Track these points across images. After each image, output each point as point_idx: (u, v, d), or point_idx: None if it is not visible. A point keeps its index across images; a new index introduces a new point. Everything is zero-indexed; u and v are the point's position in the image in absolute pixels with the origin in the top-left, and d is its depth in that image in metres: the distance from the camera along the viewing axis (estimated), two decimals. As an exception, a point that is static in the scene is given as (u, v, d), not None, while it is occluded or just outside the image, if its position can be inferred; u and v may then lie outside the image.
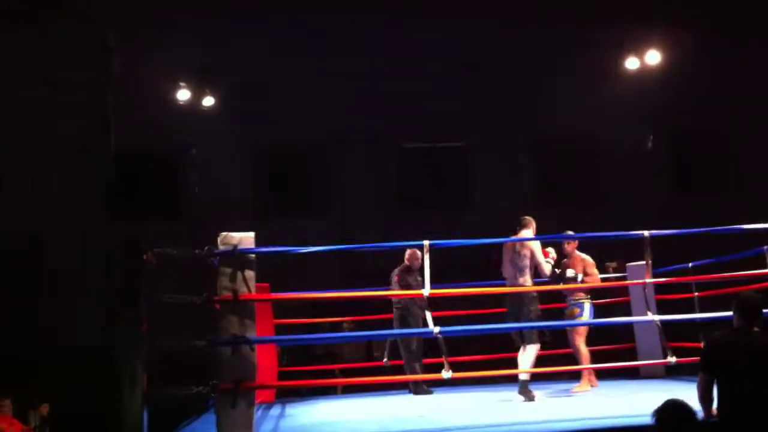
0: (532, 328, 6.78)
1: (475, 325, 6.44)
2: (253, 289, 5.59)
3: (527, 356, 6.87)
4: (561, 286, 7.60)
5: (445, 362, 5.75)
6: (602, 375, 8.28)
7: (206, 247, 5.63)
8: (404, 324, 7.82)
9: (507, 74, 12.05)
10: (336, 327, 10.43)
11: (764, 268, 7.06)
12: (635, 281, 7.37)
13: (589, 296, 7.78)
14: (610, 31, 11.41)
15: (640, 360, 8.42)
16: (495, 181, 12.43)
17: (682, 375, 8.06)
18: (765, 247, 7.09)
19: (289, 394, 8.94)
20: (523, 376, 6.86)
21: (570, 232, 7.49)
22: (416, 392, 7.99)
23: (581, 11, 11.20)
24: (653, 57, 11.64)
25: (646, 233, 6.10)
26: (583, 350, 7.58)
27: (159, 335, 5.49)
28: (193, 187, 12.51)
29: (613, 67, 12.06)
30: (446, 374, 5.71)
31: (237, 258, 5.57)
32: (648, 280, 6.30)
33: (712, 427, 4.73)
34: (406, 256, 8.01)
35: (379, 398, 8.11)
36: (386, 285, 8.07)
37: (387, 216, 11.92)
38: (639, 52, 11.73)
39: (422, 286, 6.97)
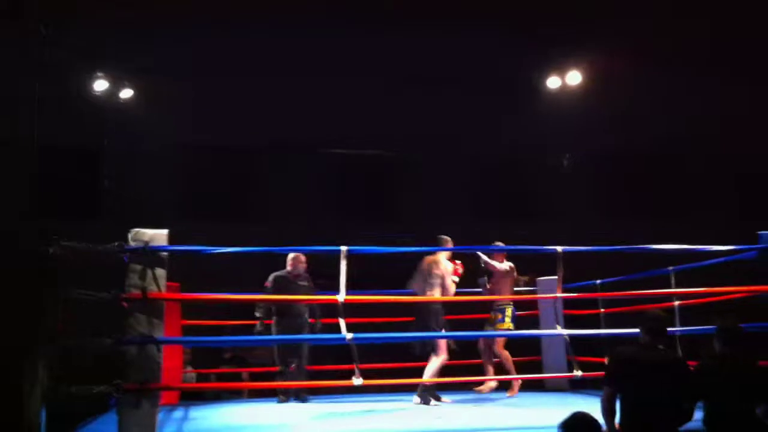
0: (449, 337, 6.94)
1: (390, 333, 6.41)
2: (163, 288, 5.46)
3: (432, 366, 7.11)
4: (475, 297, 7.85)
5: (356, 369, 5.74)
6: (507, 386, 8.42)
7: (116, 243, 5.47)
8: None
9: (436, 89, 12.13)
10: (246, 330, 10.26)
11: (669, 288, 7.31)
12: (546, 295, 7.52)
13: (511, 302, 8.02)
14: (534, 49, 11.61)
15: (546, 373, 8.59)
16: (422, 193, 12.46)
17: (586, 389, 8.24)
18: (670, 268, 7.33)
19: (194, 397, 8.78)
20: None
21: (499, 244, 7.75)
22: (302, 399, 7.88)
23: (509, 26, 11.33)
24: (574, 78, 11.92)
25: (559, 249, 6.23)
26: (505, 354, 7.97)
27: (65, 333, 5.30)
28: (109, 183, 12.09)
29: (536, 85, 12.28)
30: (357, 381, 5.70)
31: (148, 255, 5.43)
32: (559, 295, 6.42)
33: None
34: (289, 260, 7.85)
35: (285, 403, 8.01)
36: None
37: (312, 223, 11.83)
38: (561, 72, 11.98)
39: (299, 292, 7.43)
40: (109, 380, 5.27)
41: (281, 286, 7.72)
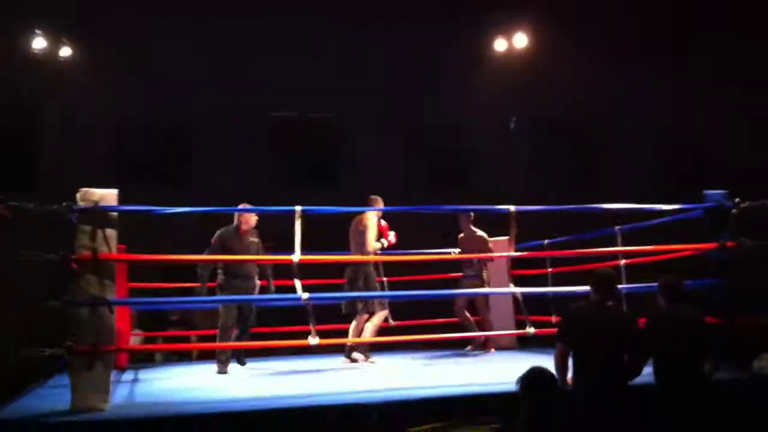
0: (384, 297, 7.22)
1: (339, 293, 6.40)
2: (114, 249, 5.34)
3: (370, 325, 7.35)
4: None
5: (312, 329, 5.74)
6: (456, 345, 8.54)
7: (64, 203, 5.32)
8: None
9: (380, 56, 12.05)
10: (189, 292, 10.14)
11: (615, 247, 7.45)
12: (498, 254, 7.60)
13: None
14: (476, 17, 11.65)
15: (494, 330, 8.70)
16: (366, 160, 12.38)
17: (532, 347, 8.40)
18: (617, 228, 7.47)
19: (142, 360, 8.70)
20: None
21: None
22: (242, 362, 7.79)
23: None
24: (521, 40, 11.95)
25: (511, 208, 6.26)
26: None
27: (11, 295, 5.17)
28: (46, 144, 11.74)
29: (479, 51, 12.28)
30: (313, 341, 5.70)
31: (97, 215, 5.30)
32: (511, 254, 6.46)
33: (569, 393, 4.94)
34: (237, 216, 7.44)
35: (233, 364, 7.99)
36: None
37: (255, 188, 11.69)
38: (507, 36, 12.01)
39: (249, 251, 7.31)
40: (58, 343, 5.16)
41: (228, 243, 7.26)
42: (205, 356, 9.33)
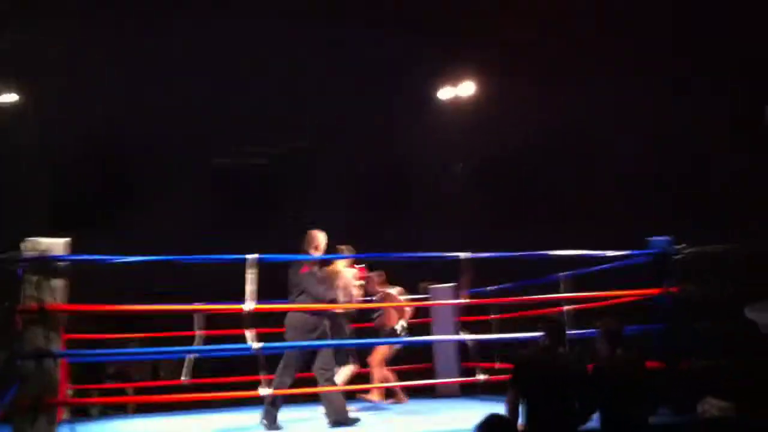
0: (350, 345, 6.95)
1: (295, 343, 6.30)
2: (61, 300, 5.21)
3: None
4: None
5: (262, 380, 5.68)
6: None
7: (9, 252, 5.19)
8: None
9: (323, 94, 12.11)
10: (124, 344, 9.92)
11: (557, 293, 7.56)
12: (446, 302, 7.61)
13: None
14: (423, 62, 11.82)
15: (438, 379, 8.71)
16: (306, 202, 12.36)
17: (476, 394, 8.42)
18: (560, 274, 7.59)
19: (77, 414, 8.42)
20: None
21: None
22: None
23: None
24: (467, 88, 12.19)
25: (462, 255, 6.31)
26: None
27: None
28: None
29: (426, 96, 12.47)
30: (264, 391, 5.63)
31: (44, 265, 5.18)
32: (462, 301, 6.50)
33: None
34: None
35: (172, 417, 7.82)
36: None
37: (195, 234, 11.54)
38: (454, 82, 12.22)
39: None
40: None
41: None
42: (142, 410, 9.12)
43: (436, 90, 12.42)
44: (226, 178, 12.82)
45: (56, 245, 5.27)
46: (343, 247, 7.31)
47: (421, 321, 8.98)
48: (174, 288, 8.59)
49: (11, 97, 11.12)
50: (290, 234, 7.68)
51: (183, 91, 11.46)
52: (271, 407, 6.18)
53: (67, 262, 5.28)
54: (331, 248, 7.14)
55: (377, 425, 6.66)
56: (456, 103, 12.29)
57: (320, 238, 6.67)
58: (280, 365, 6.29)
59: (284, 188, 12.86)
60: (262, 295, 6.14)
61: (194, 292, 7.39)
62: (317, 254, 6.61)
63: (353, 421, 6.38)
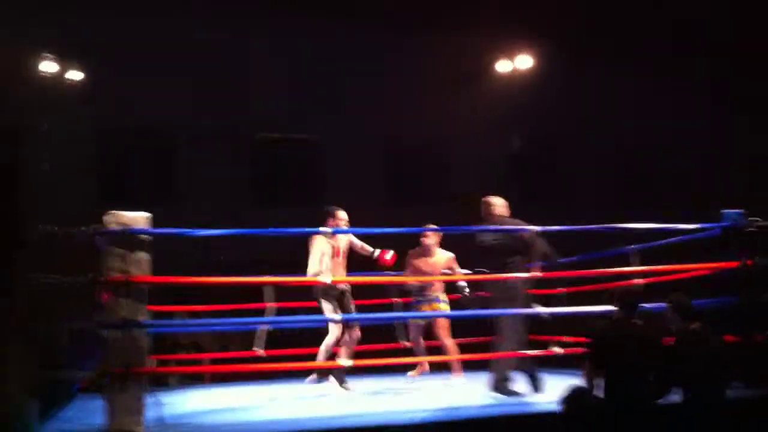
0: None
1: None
2: (146, 272, 5.37)
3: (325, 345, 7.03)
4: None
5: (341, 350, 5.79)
6: (469, 366, 8.53)
7: (92, 226, 5.35)
8: None
9: (363, 72, 12.18)
10: (198, 315, 10.13)
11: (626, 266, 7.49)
12: (517, 275, 7.51)
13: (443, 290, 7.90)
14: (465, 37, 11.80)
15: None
16: (347, 178, 12.45)
17: (550, 366, 8.41)
18: (632, 246, 7.52)
19: (157, 384, 8.66)
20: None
21: (432, 226, 7.55)
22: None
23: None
24: (505, 66, 12.07)
25: (536, 228, 6.31)
26: (449, 343, 7.81)
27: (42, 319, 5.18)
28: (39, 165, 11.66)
29: (468, 71, 12.43)
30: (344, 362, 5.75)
31: (129, 238, 5.34)
32: (536, 274, 6.47)
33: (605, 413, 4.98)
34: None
35: (248, 387, 8.00)
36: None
37: (236, 209, 11.74)
38: (509, 56, 12.11)
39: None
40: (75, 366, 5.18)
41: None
42: (217, 379, 9.35)
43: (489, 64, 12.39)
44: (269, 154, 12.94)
45: (139, 218, 5.41)
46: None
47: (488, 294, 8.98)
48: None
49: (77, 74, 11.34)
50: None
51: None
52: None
53: (150, 236, 5.41)
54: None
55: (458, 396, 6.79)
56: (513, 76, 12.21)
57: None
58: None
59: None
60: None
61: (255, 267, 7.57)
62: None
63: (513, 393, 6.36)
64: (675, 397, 5.19)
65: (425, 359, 7.87)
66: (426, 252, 7.84)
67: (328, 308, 6.95)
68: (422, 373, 8.11)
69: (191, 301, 8.72)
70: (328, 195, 12.20)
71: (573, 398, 4.23)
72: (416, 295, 7.88)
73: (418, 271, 7.79)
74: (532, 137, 13.82)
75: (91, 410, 5.69)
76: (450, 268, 7.86)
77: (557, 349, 6.41)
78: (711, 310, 6.21)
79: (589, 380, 5.16)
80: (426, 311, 7.84)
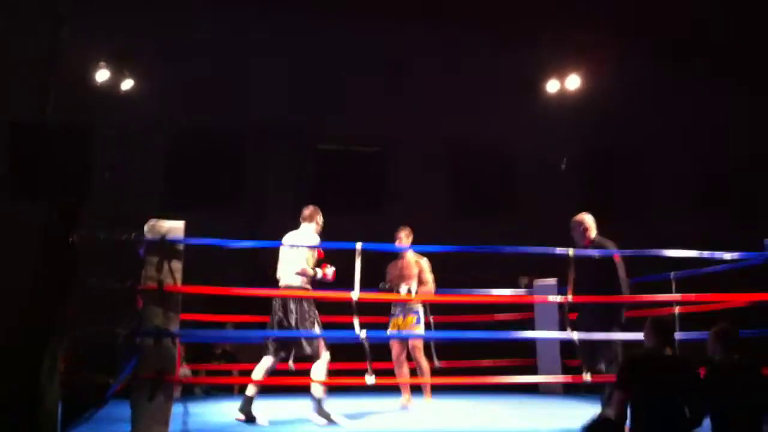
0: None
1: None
2: (179, 281, 5.42)
3: (319, 368, 6.32)
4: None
5: (369, 367, 5.75)
6: (502, 389, 8.45)
7: (133, 234, 5.43)
8: None
9: (430, 83, 12.16)
10: (233, 325, 10.17)
11: (667, 292, 7.37)
12: (551, 298, 7.44)
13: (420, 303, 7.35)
14: (533, 51, 11.72)
15: (540, 375, 8.63)
16: (411, 188, 12.40)
17: (578, 393, 8.32)
18: (671, 274, 7.42)
19: (184, 392, 8.72)
20: (319, 394, 6.30)
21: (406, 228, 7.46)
22: None
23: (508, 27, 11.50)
24: (573, 81, 11.93)
25: (570, 251, 6.23)
26: (424, 364, 7.30)
27: (79, 322, 5.24)
28: (105, 169, 11.78)
29: (533, 85, 12.32)
30: (370, 379, 5.70)
31: (165, 247, 5.39)
32: (568, 297, 6.36)
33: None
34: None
35: (278, 400, 8.00)
36: None
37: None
38: (560, 75, 12.00)
39: None
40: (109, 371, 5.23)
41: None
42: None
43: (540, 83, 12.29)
44: (334, 163, 12.96)
45: (177, 228, 5.46)
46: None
47: (524, 316, 8.93)
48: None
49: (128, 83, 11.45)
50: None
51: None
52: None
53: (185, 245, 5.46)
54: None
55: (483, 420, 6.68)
56: (562, 96, 12.08)
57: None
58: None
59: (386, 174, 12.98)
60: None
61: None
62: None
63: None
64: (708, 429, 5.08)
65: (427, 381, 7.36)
66: (397, 255, 7.57)
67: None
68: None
69: (235, 311, 8.77)
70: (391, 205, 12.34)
71: (598, 427, 4.14)
72: (393, 305, 7.45)
73: (393, 278, 7.44)
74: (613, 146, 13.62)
75: (119, 417, 5.73)
76: (421, 270, 7.42)
77: (587, 376, 6.26)
78: (750, 340, 6.07)
79: (619, 408, 5.08)
80: (400, 324, 7.31)
